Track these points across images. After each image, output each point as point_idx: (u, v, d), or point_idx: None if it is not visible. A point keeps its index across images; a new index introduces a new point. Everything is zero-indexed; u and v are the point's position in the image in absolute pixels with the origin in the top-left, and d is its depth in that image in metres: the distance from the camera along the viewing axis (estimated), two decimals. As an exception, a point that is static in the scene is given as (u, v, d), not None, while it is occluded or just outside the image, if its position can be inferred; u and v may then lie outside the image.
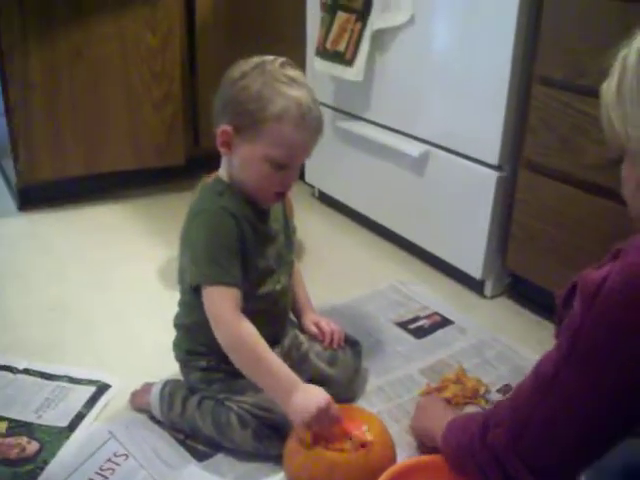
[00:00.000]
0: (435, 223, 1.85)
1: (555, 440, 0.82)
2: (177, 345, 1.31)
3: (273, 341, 1.23)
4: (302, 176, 2.38)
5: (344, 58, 1.92)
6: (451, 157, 1.75)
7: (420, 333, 1.60)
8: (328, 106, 2.15)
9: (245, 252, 1.16)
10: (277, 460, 1.16)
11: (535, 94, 1.52)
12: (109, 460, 1.19)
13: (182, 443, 1.24)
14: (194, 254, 1.16)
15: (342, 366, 1.35)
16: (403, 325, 1.63)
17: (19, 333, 1.58)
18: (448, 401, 1.31)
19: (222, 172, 1.22)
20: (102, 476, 1.16)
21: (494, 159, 1.64)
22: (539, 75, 1.51)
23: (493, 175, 1.65)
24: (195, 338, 1.26)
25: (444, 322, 1.65)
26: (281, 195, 1.20)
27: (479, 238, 1.71)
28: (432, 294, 1.78)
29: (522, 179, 1.61)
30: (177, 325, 1.30)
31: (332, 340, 1.35)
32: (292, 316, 1.40)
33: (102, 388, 1.38)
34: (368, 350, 1.47)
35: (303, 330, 1.37)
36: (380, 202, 2.05)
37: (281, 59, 1.16)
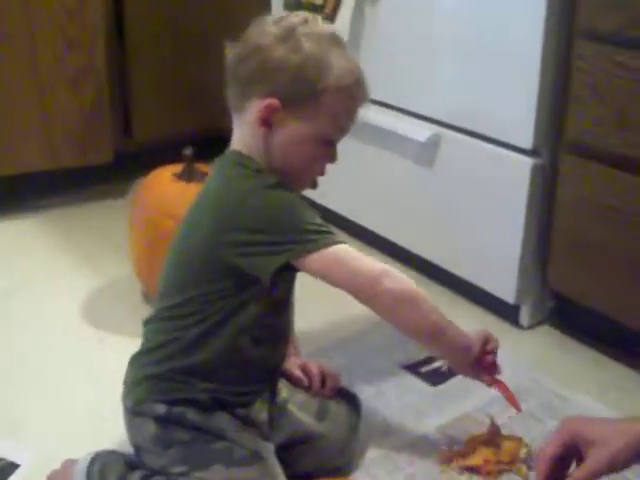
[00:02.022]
0: (451, 231, 1.85)
1: None
2: (137, 384, 1.27)
3: (262, 386, 1.28)
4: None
5: (322, 11, 1.93)
6: (469, 141, 1.76)
7: (436, 378, 1.60)
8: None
9: None
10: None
11: (579, 53, 1.52)
12: None
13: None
14: (272, 233, 1.17)
15: (334, 421, 1.35)
16: (413, 368, 1.64)
17: None
18: (477, 469, 1.31)
19: (243, 150, 1.25)
20: None
21: (528, 142, 1.65)
22: (584, 27, 1.51)
23: (527, 163, 1.66)
24: (171, 359, 1.23)
25: (468, 362, 1.64)
26: (316, 180, 1.32)
27: (511, 250, 1.71)
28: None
29: (566, 167, 1.61)
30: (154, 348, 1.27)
31: (323, 386, 1.37)
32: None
33: (6, 469, 1.35)
34: (368, 404, 1.46)
35: (284, 375, 1.37)
36: (377, 205, 2.06)
37: (305, 15, 1.25)
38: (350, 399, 1.40)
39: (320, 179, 2.25)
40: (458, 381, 1.57)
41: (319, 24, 1.24)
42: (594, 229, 1.57)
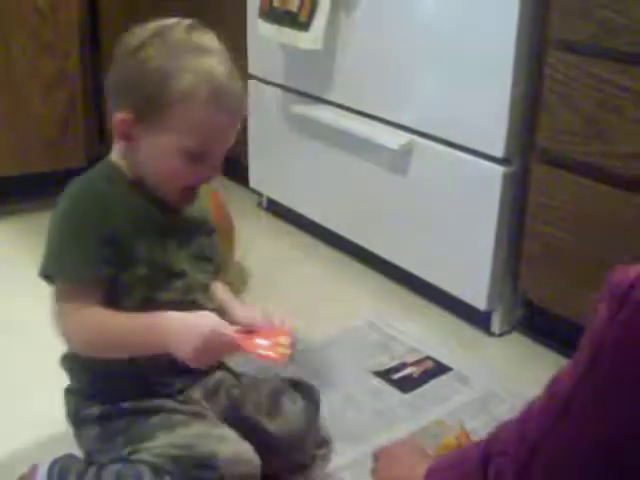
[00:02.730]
0: (423, 238, 1.85)
1: (571, 472, 0.85)
2: (66, 397, 1.30)
3: (187, 376, 1.26)
4: (245, 181, 2.38)
5: (297, 20, 1.93)
6: (442, 149, 1.76)
7: (407, 385, 1.60)
8: (277, 85, 2.15)
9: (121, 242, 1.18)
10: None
11: (551, 62, 1.53)
12: None
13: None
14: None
15: (288, 419, 1.33)
16: (384, 375, 1.63)
17: None
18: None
19: (117, 160, 1.23)
20: None
21: (499, 150, 1.65)
22: (556, 37, 1.51)
23: (498, 171, 1.66)
24: (78, 377, 1.26)
25: (439, 369, 1.66)
26: (192, 191, 1.23)
27: (482, 256, 1.72)
28: (422, 332, 1.78)
29: (536, 175, 1.61)
30: (63, 366, 1.30)
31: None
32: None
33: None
34: (337, 410, 1.47)
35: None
36: (349, 211, 2.06)
37: (186, 22, 1.19)
38: (307, 392, 1.38)
39: (294, 182, 2.28)
40: (429, 388, 1.59)
41: (184, 32, 1.17)
42: (564, 236, 1.58)
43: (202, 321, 1.15)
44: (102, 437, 1.24)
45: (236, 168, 2.46)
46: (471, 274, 1.76)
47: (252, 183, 2.36)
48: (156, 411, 1.23)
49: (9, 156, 2.25)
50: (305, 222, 2.21)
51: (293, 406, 1.35)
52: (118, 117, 1.16)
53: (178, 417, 1.22)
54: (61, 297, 1.18)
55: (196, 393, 1.28)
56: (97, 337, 1.18)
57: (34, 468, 1.29)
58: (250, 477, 1.18)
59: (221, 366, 1.36)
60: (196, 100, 1.13)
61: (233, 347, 1.16)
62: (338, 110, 2.00)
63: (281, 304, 1.84)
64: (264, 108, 2.25)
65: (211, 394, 1.31)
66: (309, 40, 1.92)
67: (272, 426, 1.32)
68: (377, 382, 1.61)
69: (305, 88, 2.08)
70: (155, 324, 1.16)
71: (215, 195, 1.92)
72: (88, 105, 2.32)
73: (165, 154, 1.17)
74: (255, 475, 1.19)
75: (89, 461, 1.26)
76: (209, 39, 1.18)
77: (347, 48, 1.93)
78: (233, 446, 1.19)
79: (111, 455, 1.23)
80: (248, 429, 1.28)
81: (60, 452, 1.30)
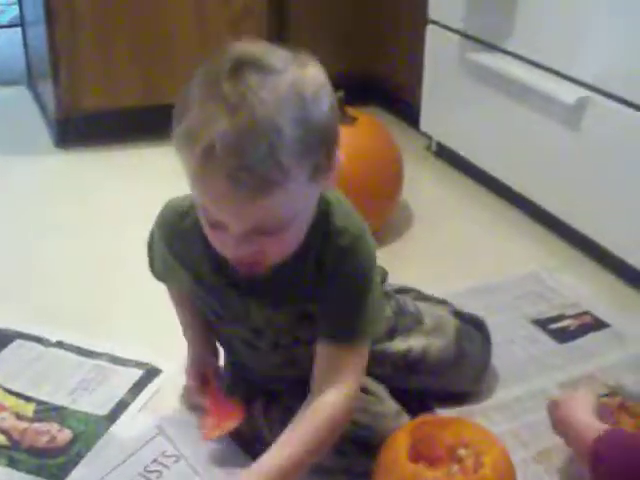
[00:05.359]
0: (592, 196, 1.82)
1: None
2: None
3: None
4: (416, 124, 2.39)
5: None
6: (618, 107, 1.71)
7: (564, 336, 1.60)
8: (455, 31, 2.13)
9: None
10: (361, 478, 1.18)
11: None
12: (156, 461, 1.25)
13: (247, 450, 1.27)
14: None
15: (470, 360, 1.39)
16: (542, 324, 1.63)
17: (51, 298, 1.66)
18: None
19: None
20: (147, 478, 1.21)
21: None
22: None
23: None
24: None
25: (597, 324, 1.64)
26: (251, 266, 1.05)
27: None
28: (584, 288, 1.76)
29: None
30: None
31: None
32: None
33: (151, 373, 1.44)
34: (492, 353, 1.47)
35: None
36: (518, 162, 2.04)
37: (245, 59, 0.95)
38: (481, 327, 1.43)
39: (464, 129, 2.26)
40: (585, 342, 1.58)
41: (228, 69, 0.93)
42: None
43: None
44: None
45: (408, 109, 2.48)
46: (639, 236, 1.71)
47: (422, 126, 2.35)
48: None
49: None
50: (472, 169, 2.21)
51: (472, 345, 1.40)
52: None
53: None
54: None
55: None
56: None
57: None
58: None
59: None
60: (182, 152, 0.97)
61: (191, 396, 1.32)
62: (514, 60, 1.97)
63: (443, 248, 1.87)
64: (441, 53, 2.24)
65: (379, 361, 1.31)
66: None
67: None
68: (534, 330, 1.61)
69: (483, 36, 2.06)
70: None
71: (384, 133, 1.95)
72: (272, 42, 2.36)
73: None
74: None
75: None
76: (254, 87, 0.92)
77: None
78: (393, 424, 1.20)
79: None
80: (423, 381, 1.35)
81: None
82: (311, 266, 1.10)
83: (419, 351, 1.34)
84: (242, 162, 0.91)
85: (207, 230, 1.04)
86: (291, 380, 1.24)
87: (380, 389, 1.27)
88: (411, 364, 1.34)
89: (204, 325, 1.30)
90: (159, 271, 1.30)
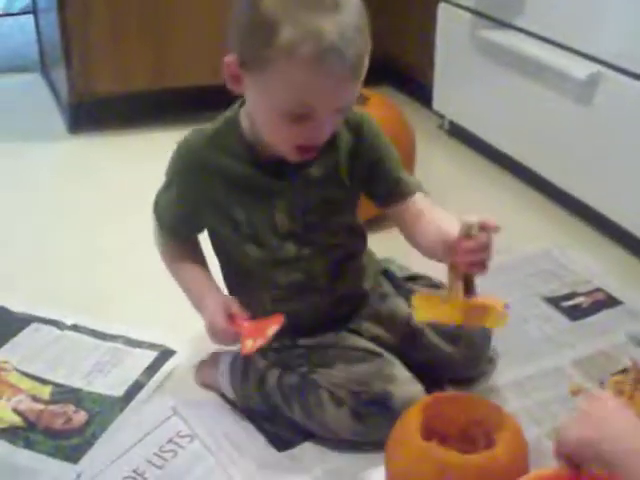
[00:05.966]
0: (604, 172, 1.82)
1: None
2: None
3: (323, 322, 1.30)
4: (428, 103, 2.38)
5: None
6: (631, 83, 1.71)
7: (576, 313, 1.60)
8: (466, 8, 2.13)
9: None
10: (379, 449, 1.18)
11: None
12: (171, 441, 1.26)
13: (260, 428, 1.29)
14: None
15: (469, 343, 1.36)
16: (555, 301, 1.63)
17: (66, 281, 1.68)
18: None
19: (242, 117, 1.21)
20: (162, 458, 1.22)
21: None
22: None
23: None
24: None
25: (610, 302, 1.64)
26: (308, 151, 1.15)
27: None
28: (596, 265, 1.76)
29: None
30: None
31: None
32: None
33: (165, 354, 1.45)
34: (506, 331, 1.41)
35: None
36: (530, 140, 2.04)
37: None
38: None
39: (477, 107, 2.25)
40: (598, 319, 1.58)
41: None
42: None
43: (205, 315, 1.23)
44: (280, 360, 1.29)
45: (420, 89, 2.48)
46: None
47: (435, 104, 2.35)
48: (331, 346, 1.27)
49: (207, 68, 2.23)
50: (485, 147, 2.21)
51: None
52: (227, 58, 1.11)
53: (354, 353, 1.26)
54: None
55: (372, 328, 1.32)
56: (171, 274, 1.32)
57: (216, 355, 1.37)
58: None
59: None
60: (297, 59, 1.04)
61: (230, 336, 1.21)
62: (526, 37, 1.97)
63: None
64: (453, 32, 2.24)
65: (388, 323, 1.34)
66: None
67: (451, 349, 1.33)
68: (547, 307, 1.61)
69: (494, 13, 2.06)
70: (198, 299, 1.26)
71: (396, 113, 1.95)
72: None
73: (266, 112, 1.11)
74: None
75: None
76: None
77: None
78: (406, 388, 1.21)
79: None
80: (426, 354, 1.32)
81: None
82: (345, 143, 1.23)
83: None
84: (350, 56, 1.05)
85: (276, 127, 1.11)
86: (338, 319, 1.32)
87: (392, 356, 1.27)
88: (414, 332, 1.33)
89: (209, 274, 1.30)
90: (170, 225, 1.29)
